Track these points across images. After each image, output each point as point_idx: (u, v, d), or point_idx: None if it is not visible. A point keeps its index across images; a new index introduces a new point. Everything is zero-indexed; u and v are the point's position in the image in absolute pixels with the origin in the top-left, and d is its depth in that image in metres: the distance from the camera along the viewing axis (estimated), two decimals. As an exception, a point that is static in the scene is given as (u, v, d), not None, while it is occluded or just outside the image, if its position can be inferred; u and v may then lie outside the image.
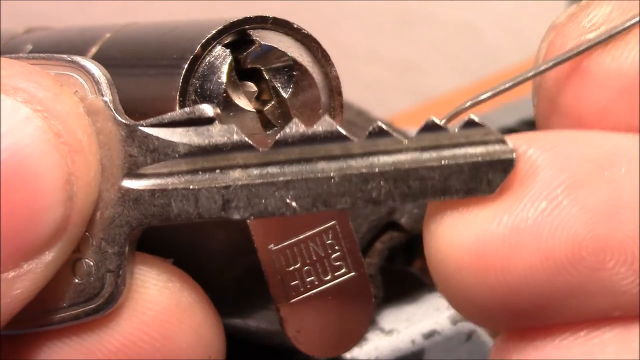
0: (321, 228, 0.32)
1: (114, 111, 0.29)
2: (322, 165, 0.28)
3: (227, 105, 0.30)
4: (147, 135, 0.29)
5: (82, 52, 0.33)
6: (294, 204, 0.28)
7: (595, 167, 0.26)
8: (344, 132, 0.28)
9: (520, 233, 0.26)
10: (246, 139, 0.28)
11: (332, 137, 0.28)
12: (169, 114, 0.29)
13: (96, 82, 0.29)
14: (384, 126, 0.28)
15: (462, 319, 0.37)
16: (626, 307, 0.26)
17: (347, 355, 0.35)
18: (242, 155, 0.28)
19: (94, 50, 0.33)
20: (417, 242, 0.42)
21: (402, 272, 0.40)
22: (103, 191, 0.29)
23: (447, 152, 0.28)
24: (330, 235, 0.32)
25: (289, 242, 0.31)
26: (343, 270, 0.32)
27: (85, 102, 0.29)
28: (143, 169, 0.29)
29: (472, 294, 0.27)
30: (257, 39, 0.30)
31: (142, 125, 0.29)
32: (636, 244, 0.26)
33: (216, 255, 0.34)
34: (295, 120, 0.28)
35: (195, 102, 0.30)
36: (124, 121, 0.29)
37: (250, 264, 0.32)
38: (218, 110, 0.29)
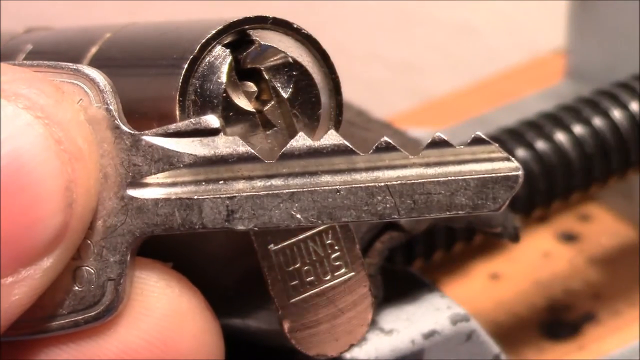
0: (321, 228, 0.32)
1: (118, 120, 0.29)
2: (327, 178, 0.28)
3: (227, 106, 0.30)
4: (152, 145, 0.29)
5: (82, 52, 0.33)
6: (299, 215, 0.28)
7: None
8: (350, 145, 0.28)
9: None
10: (251, 150, 0.28)
11: (338, 150, 0.28)
12: (174, 124, 0.29)
13: (101, 91, 0.29)
14: (390, 141, 0.28)
15: (462, 318, 0.37)
16: None
17: (347, 355, 0.35)
18: (247, 166, 0.28)
19: (93, 50, 0.33)
20: (417, 242, 0.42)
21: (402, 272, 0.40)
22: (106, 199, 0.29)
23: (453, 168, 0.28)
24: (330, 235, 0.32)
25: (289, 242, 0.31)
26: (343, 270, 0.32)
27: (90, 110, 0.29)
28: (147, 178, 0.29)
29: None
30: (257, 39, 0.30)
31: (147, 135, 0.29)
32: None
33: (216, 257, 0.34)
34: (301, 134, 0.28)
35: (195, 102, 0.30)
36: (128, 130, 0.29)
37: (249, 264, 0.32)
38: (223, 122, 0.29)
